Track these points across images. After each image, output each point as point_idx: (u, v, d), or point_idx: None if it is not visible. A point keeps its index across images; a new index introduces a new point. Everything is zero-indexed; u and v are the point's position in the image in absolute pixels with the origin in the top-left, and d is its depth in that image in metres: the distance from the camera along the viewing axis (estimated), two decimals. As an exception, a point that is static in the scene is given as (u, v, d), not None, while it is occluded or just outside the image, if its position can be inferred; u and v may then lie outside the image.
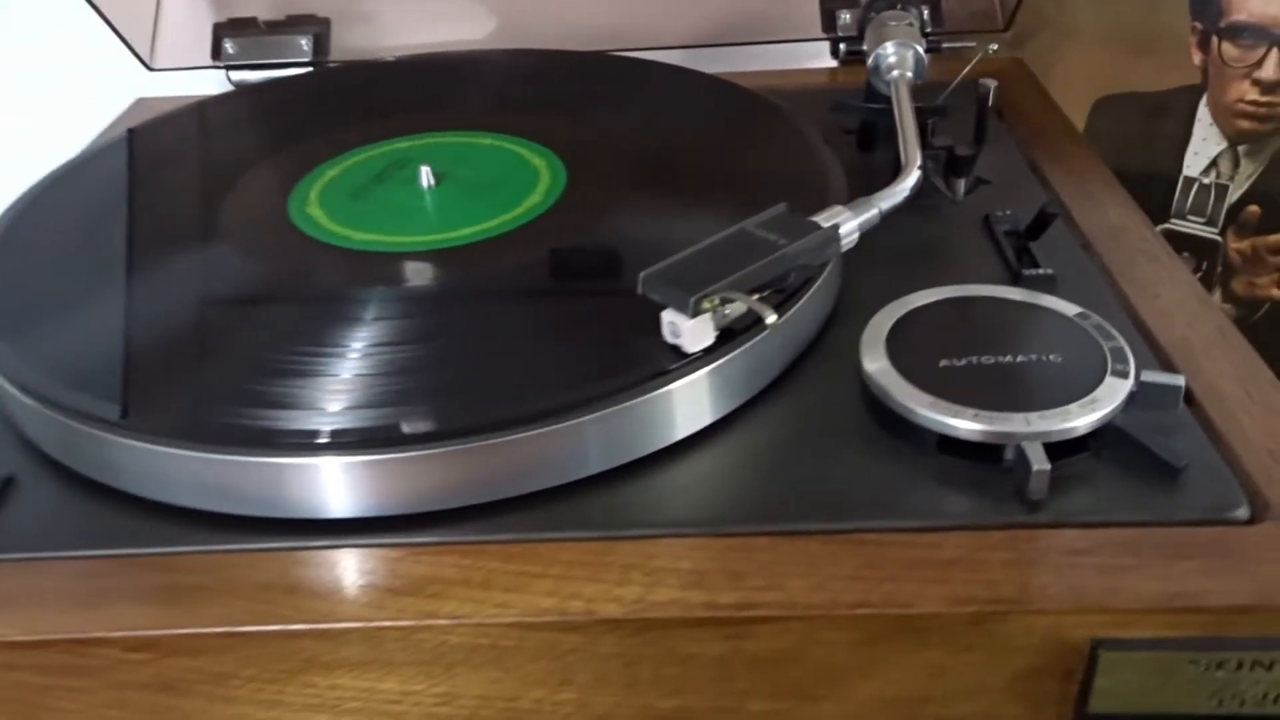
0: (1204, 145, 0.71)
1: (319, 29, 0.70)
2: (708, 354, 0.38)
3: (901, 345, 0.40)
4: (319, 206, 0.50)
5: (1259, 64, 0.68)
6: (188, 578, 0.35)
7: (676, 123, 0.56)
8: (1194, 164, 0.72)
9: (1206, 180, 0.72)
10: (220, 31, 0.69)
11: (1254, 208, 0.72)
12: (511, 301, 0.44)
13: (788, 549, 0.35)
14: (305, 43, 0.69)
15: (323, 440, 0.36)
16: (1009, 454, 0.36)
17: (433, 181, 0.50)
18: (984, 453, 0.37)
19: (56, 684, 0.34)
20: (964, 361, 0.39)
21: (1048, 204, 0.48)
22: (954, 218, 0.51)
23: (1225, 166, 0.71)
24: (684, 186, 0.50)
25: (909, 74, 0.54)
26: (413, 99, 0.61)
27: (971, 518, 0.35)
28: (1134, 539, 0.34)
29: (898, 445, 0.38)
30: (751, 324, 0.39)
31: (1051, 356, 0.39)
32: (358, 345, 0.40)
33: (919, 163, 0.46)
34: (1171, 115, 0.72)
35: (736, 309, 0.38)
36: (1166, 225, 0.74)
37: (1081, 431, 0.36)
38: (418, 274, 0.45)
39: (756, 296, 0.38)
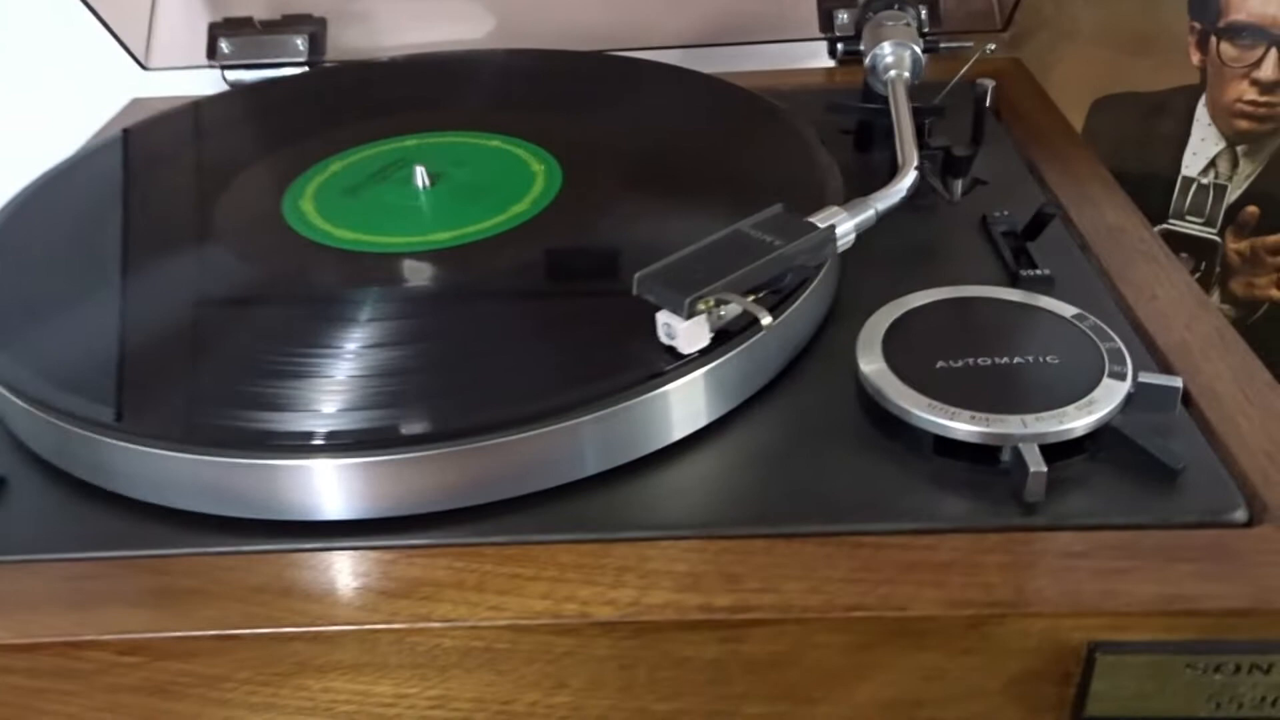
0: (1202, 145, 0.71)
1: (315, 29, 0.70)
2: (703, 355, 0.38)
3: (898, 346, 0.40)
4: (314, 207, 0.49)
5: (1258, 64, 0.68)
6: (180, 580, 0.35)
7: (673, 123, 0.56)
8: (1192, 164, 0.72)
9: (1205, 180, 0.72)
10: (216, 31, 0.69)
11: (1252, 208, 0.71)
12: (506, 302, 0.43)
13: (783, 551, 0.35)
14: (301, 42, 0.69)
15: (317, 442, 0.36)
16: (1006, 456, 0.36)
17: (428, 182, 0.50)
18: (980, 455, 0.37)
19: (48, 687, 0.34)
20: (961, 363, 0.39)
21: (1045, 204, 0.48)
22: (951, 218, 0.51)
23: (1224, 167, 0.71)
24: (680, 187, 0.50)
25: (906, 74, 0.54)
26: (408, 99, 0.61)
27: (968, 520, 0.35)
28: (1131, 541, 0.34)
29: (894, 447, 0.38)
30: (747, 325, 0.39)
31: (1048, 358, 0.39)
32: (352, 346, 0.40)
33: (916, 163, 0.46)
34: (1170, 115, 0.72)
35: (732, 310, 0.38)
36: (1165, 226, 0.74)
37: (1079, 433, 0.36)
38: (412, 275, 0.44)
39: (752, 298, 0.38)
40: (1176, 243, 0.73)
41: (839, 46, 0.69)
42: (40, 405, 0.39)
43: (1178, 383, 0.38)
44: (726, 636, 0.33)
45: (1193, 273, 0.73)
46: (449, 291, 0.44)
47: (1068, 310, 0.41)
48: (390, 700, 0.34)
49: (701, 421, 0.39)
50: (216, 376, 0.40)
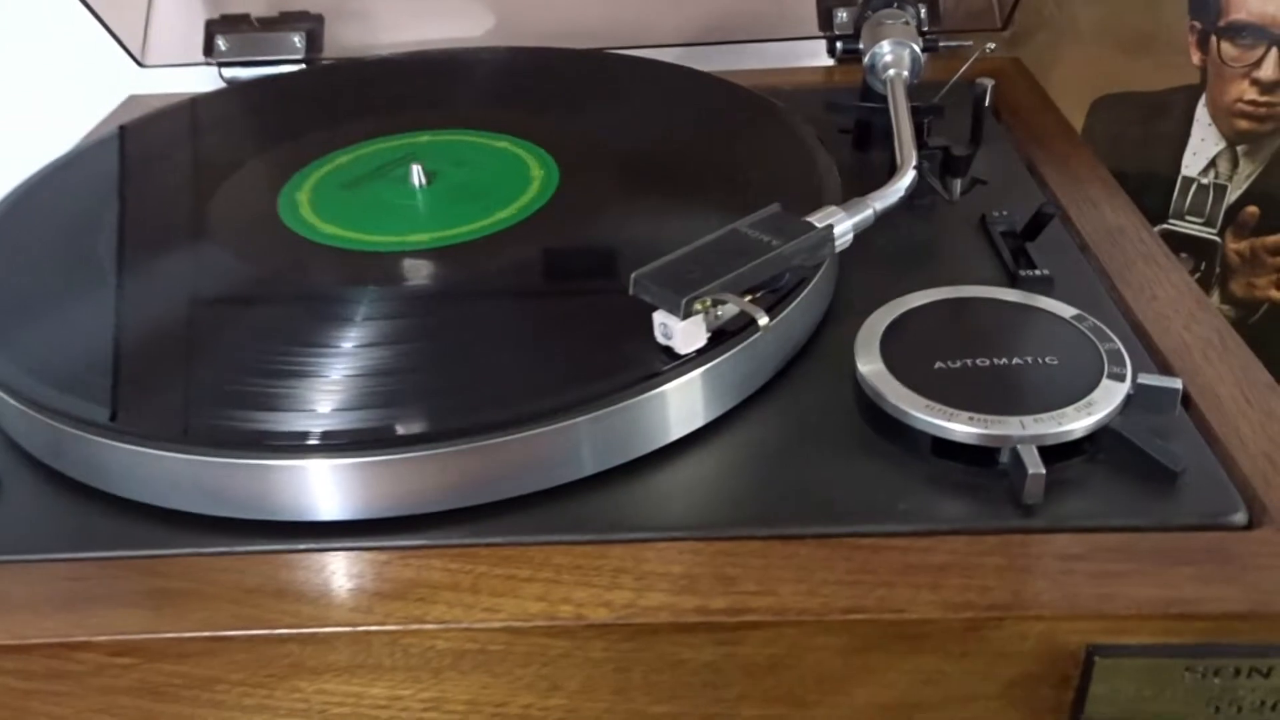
0: (1202, 145, 0.71)
1: (312, 26, 0.70)
2: (700, 355, 0.38)
3: (896, 347, 0.39)
4: (309, 205, 0.49)
5: (1258, 64, 0.68)
6: (174, 581, 0.35)
7: (671, 121, 0.56)
8: (1192, 164, 0.72)
9: (1205, 180, 0.72)
10: (212, 28, 0.69)
11: (1253, 208, 0.71)
12: (503, 302, 0.43)
13: (780, 553, 0.34)
14: (298, 40, 0.69)
15: (312, 442, 0.36)
16: (1004, 457, 0.36)
17: (424, 180, 0.50)
18: (979, 456, 0.36)
19: (40, 689, 0.34)
20: (959, 364, 0.39)
21: (1045, 204, 0.48)
22: (950, 218, 0.51)
23: (1224, 167, 0.71)
24: (678, 186, 0.50)
25: (905, 73, 0.54)
26: (405, 97, 0.61)
27: (966, 522, 0.35)
28: (1130, 544, 0.34)
29: (892, 448, 0.38)
30: (744, 325, 0.38)
31: (1047, 359, 0.39)
32: (347, 346, 0.40)
33: (915, 162, 0.46)
34: (1170, 115, 0.71)
35: (729, 310, 0.38)
36: (1164, 226, 0.74)
37: (1077, 435, 0.36)
38: (408, 273, 0.44)
39: (749, 298, 0.38)
40: (1176, 243, 0.73)
41: (838, 45, 0.69)
42: (33, 404, 0.39)
43: (1177, 384, 0.38)
44: (723, 639, 0.33)
45: (1192, 273, 0.73)
46: (444, 291, 0.44)
47: (1067, 311, 0.41)
48: (384, 702, 0.34)
49: (698, 422, 0.39)
50: (211, 376, 0.40)
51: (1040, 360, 0.39)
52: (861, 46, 0.56)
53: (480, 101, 0.60)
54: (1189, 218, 0.73)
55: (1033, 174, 0.56)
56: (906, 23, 0.56)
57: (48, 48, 0.79)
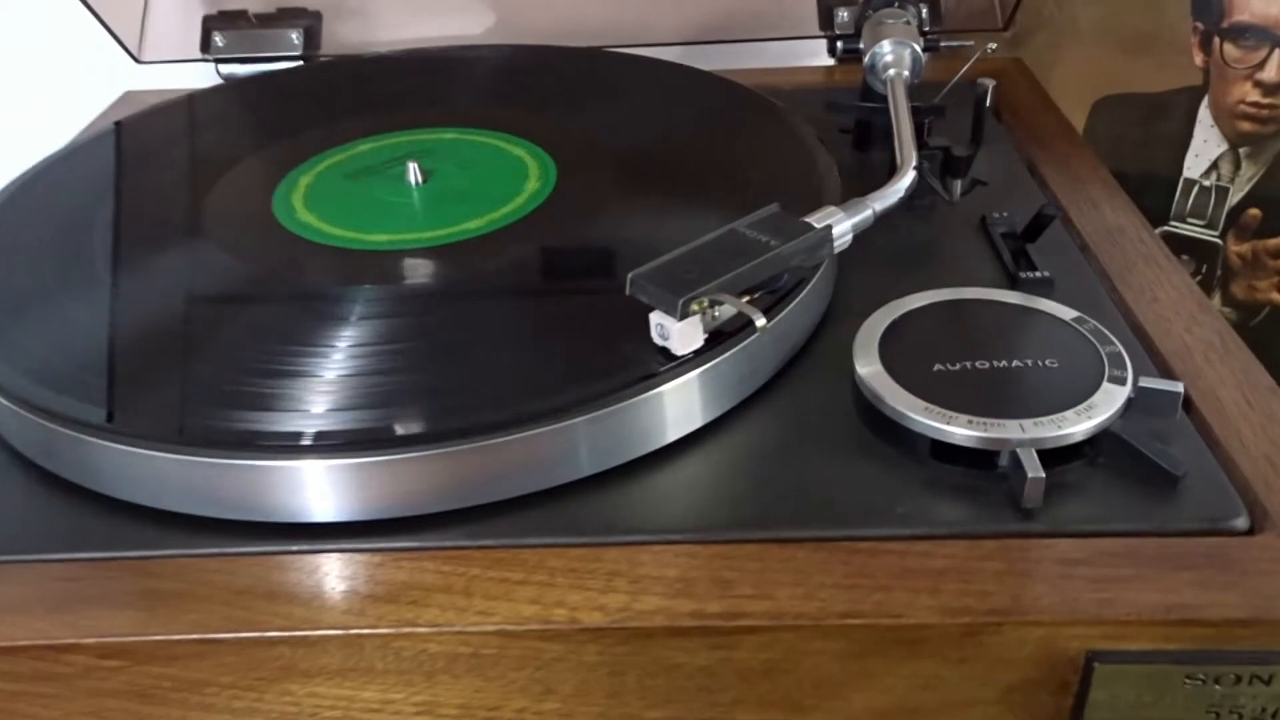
0: (1204, 147, 0.71)
1: (310, 22, 0.69)
2: (697, 356, 0.37)
3: (895, 349, 0.39)
4: (304, 203, 0.49)
5: (1261, 65, 0.68)
6: (164, 583, 0.34)
7: (670, 120, 0.55)
8: (1194, 166, 0.71)
9: (1207, 182, 0.71)
10: (209, 24, 0.69)
11: (1254, 211, 0.71)
12: (498, 302, 0.43)
13: (777, 557, 0.34)
14: (296, 36, 0.69)
15: (306, 443, 0.36)
16: (1003, 461, 0.36)
17: (420, 178, 0.50)
18: (978, 459, 0.36)
19: (27, 690, 0.33)
20: (958, 366, 0.38)
21: (1045, 206, 0.47)
22: (950, 219, 0.51)
23: (1226, 169, 0.71)
24: (676, 185, 0.49)
25: (906, 73, 0.53)
26: (401, 95, 0.61)
27: (965, 526, 0.35)
28: (1130, 549, 0.34)
29: (890, 451, 0.37)
30: (742, 326, 0.38)
31: (1048, 361, 0.38)
32: (341, 345, 0.40)
33: (915, 163, 0.46)
34: (1172, 116, 0.71)
35: (726, 311, 0.37)
36: (1166, 228, 0.73)
37: (1078, 438, 0.36)
38: (403, 272, 0.44)
39: (747, 299, 0.37)
40: (1177, 245, 0.73)
41: (839, 45, 0.69)
42: (24, 403, 0.38)
43: (1179, 387, 0.38)
44: (718, 643, 0.32)
45: (1194, 275, 0.72)
46: (440, 290, 0.43)
47: (1067, 313, 0.41)
48: (376, 706, 0.34)
49: (695, 424, 0.39)
50: (204, 375, 0.39)
51: (1040, 363, 0.38)
52: (862, 46, 0.56)
53: (478, 100, 0.60)
54: (1190, 220, 0.73)
55: (1033, 175, 0.55)
56: (907, 22, 0.56)
57: (44, 43, 0.79)
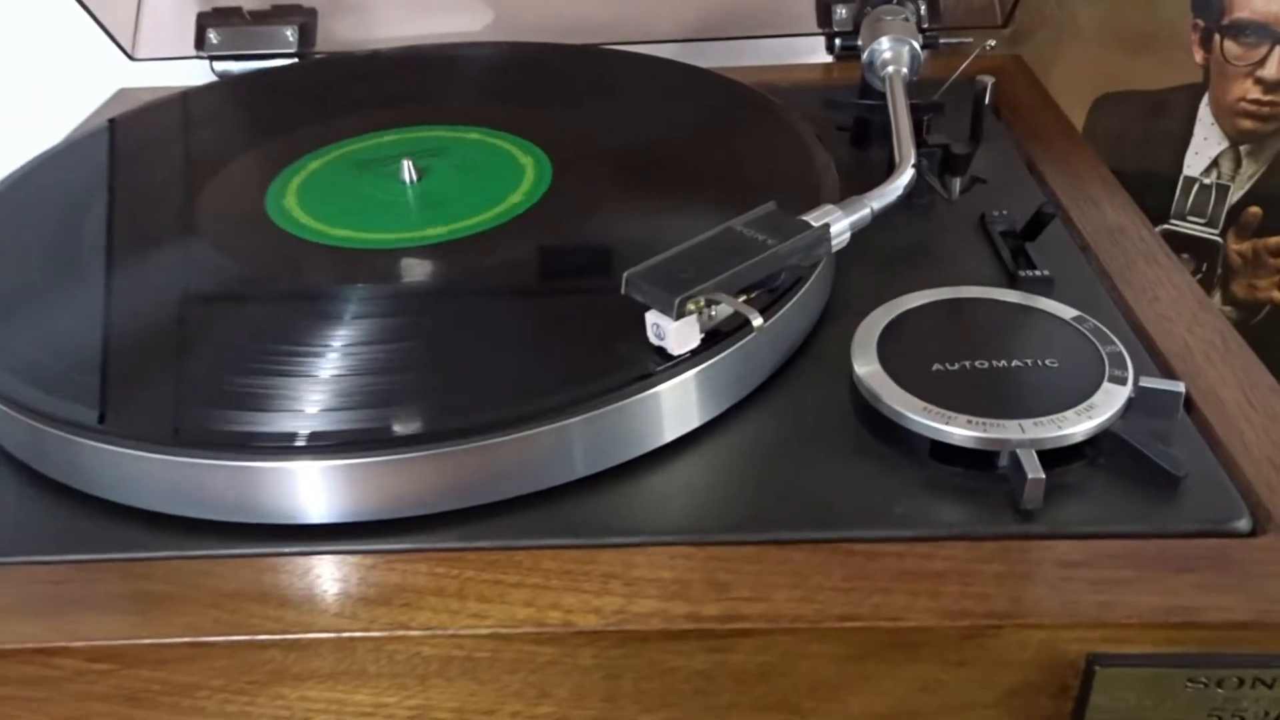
0: (1205, 145, 0.70)
1: (305, 19, 0.69)
2: (694, 356, 0.37)
3: (893, 348, 0.39)
4: (298, 202, 0.48)
5: (1261, 62, 0.67)
6: (155, 585, 0.34)
7: (667, 118, 0.55)
8: (1194, 164, 0.71)
9: (1207, 180, 0.71)
10: (204, 21, 0.68)
11: (1255, 209, 0.71)
12: (493, 301, 0.42)
13: (774, 559, 0.34)
14: (291, 33, 0.68)
15: (299, 444, 0.35)
16: (1003, 462, 0.36)
17: (415, 176, 0.49)
18: (977, 460, 0.36)
19: (16, 694, 0.33)
20: (958, 365, 0.38)
21: (1045, 204, 0.47)
22: (949, 217, 0.50)
23: (1226, 167, 0.70)
24: (672, 183, 0.49)
25: (904, 70, 0.53)
26: (396, 92, 0.60)
27: (964, 527, 0.34)
28: (1131, 551, 0.33)
29: (888, 452, 0.37)
30: (739, 326, 0.38)
31: (1048, 361, 0.38)
32: (335, 345, 0.39)
33: (913, 161, 0.46)
34: (1172, 114, 0.71)
35: (723, 311, 0.37)
36: (1166, 226, 0.73)
37: (1078, 439, 0.35)
38: (397, 271, 0.43)
39: (744, 298, 0.37)
40: (1177, 243, 0.73)
41: (837, 42, 0.69)
42: (13, 404, 0.38)
43: (1180, 387, 0.37)
44: (715, 646, 0.32)
45: (1194, 274, 0.72)
46: (434, 289, 0.43)
47: (1067, 312, 0.40)
48: (369, 709, 0.33)
49: (692, 424, 0.38)
50: (195, 375, 0.39)
51: (1040, 362, 0.38)
52: (860, 43, 0.55)
53: (473, 97, 0.59)
54: (1190, 218, 0.72)
55: (1033, 173, 0.55)
56: (906, 19, 0.55)
57: (37, 40, 0.78)
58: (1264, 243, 0.71)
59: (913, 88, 0.52)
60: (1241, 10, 0.67)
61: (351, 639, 0.32)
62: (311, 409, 0.37)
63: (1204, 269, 0.73)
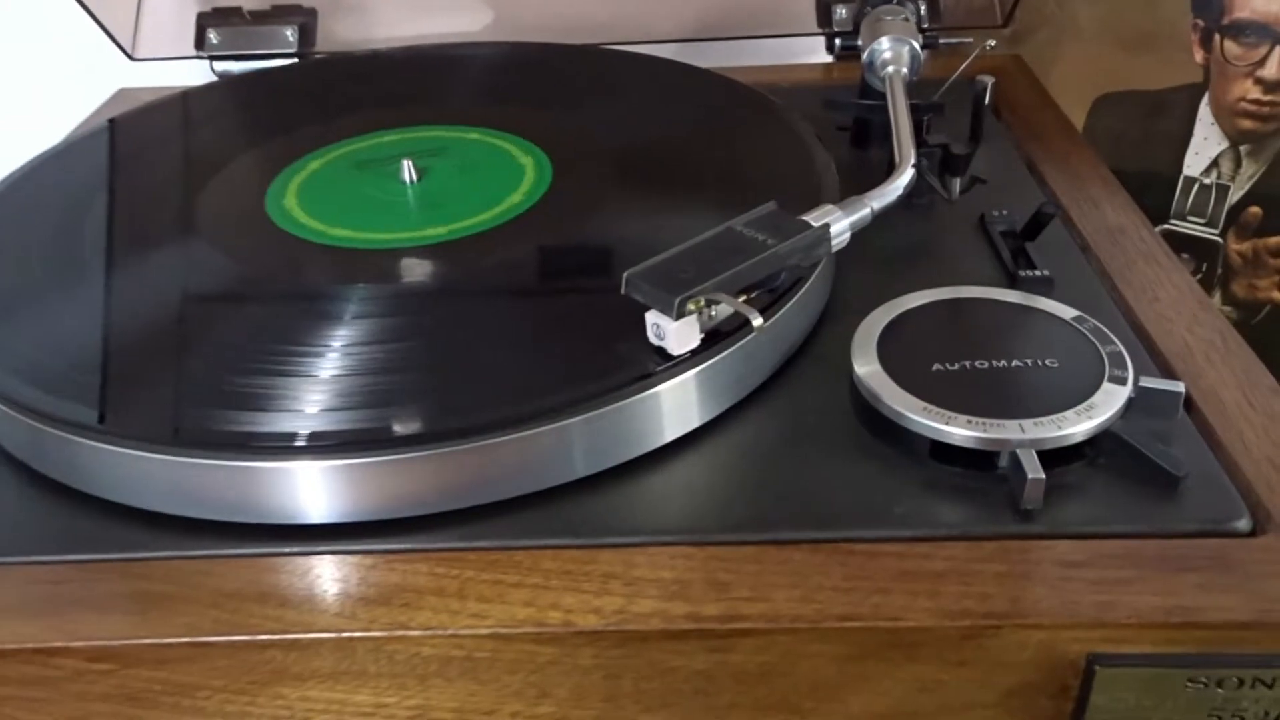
0: (1205, 145, 0.70)
1: (306, 19, 0.69)
2: (694, 356, 0.37)
3: (893, 348, 0.39)
4: (297, 202, 0.48)
5: (1262, 62, 0.67)
6: (154, 585, 0.34)
7: (667, 118, 0.55)
8: (1194, 164, 0.71)
9: (1207, 180, 0.71)
10: (204, 21, 0.68)
11: (1255, 209, 0.71)
12: (493, 301, 0.42)
13: (774, 558, 0.34)
14: (291, 33, 0.68)
15: (299, 444, 0.35)
16: (1003, 462, 0.36)
17: (415, 176, 0.49)
18: (977, 460, 0.36)
19: (15, 694, 0.33)
20: (957, 365, 0.38)
21: (1045, 204, 0.47)
22: (949, 217, 0.50)
23: (1226, 167, 0.70)
24: (672, 183, 0.49)
25: (904, 70, 0.53)
26: (397, 92, 0.60)
27: (964, 527, 0.34)
28: (1131, 551, 0.33)
29: (888, 451, 0.37)
30: (739, 326, 0.38)
31: (1048, 361, 0.38)
32: (334, 345, 0.39)
33: (913, 161, 0.45)
34: (1172, 114, 0.71)
35: (723, 311, 0.37)
36: (1166, 226, 0.73)
37: (1078, 439, 0.35)
38: (397, 271, 0.43)
39: (743, 298, 0.37)
40: (1177, 243, 0.73)
41: (837, 42, 0.69)
42: (13, 404, 0.38)
43: (1180, 387, 0.37)
44: (715, 646, 0.32)
45: (1194, 274, 0.72)
46: (434, 289, 0.43)
47: (1067, 312, 0.40)
48: (369, 710, 0.33)
49: (692, 424, 0.38)
50: (195, 375, 0.39)
51: (1040, 362, 0.38)
52: (860, 43, 0.55)
53: (473, 97, 0.59)
54: (1190, 218, 0.72)
55: (1033, 173, 0.55)
56: (906, 19, 0.55)
57: (36, 40, 0.78)
58: (1264, 243, 0.71)
59: (913, 88, 0.52)
60: (1241, 10, 0.67)
61: (351, 639, 0.32)
62: (311, 409, 0.36)
63: (1204, 269, 0.73)
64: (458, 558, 0.34)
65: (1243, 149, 0.70)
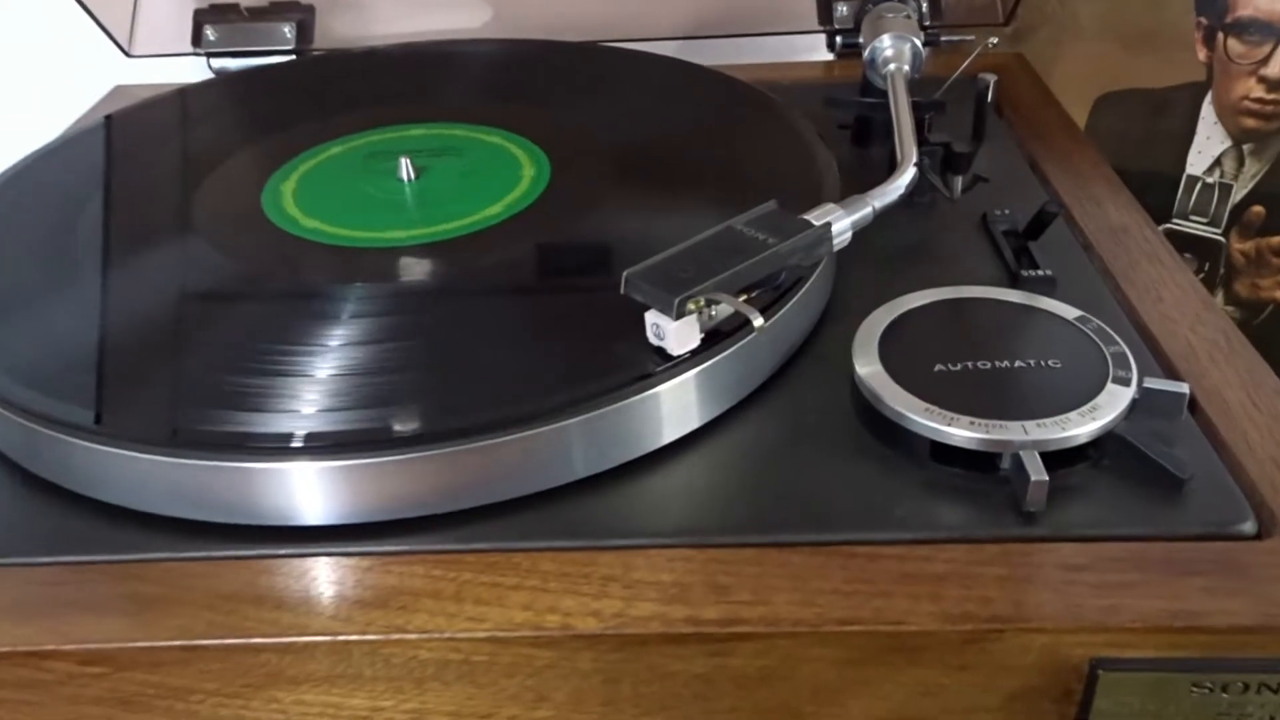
0: (1208, 144, 0.70)
1: (303, 16, 0.69)
2: (694, 356, 0.37)
3: (895, 348, 0.39)
4: (294, 200, 0.48)
5: (1265, 61, 0.67)
6: (149, 587, 0.34)
7: (667, 116, 0.55)
8: (1197, 163, 0.71)
9: (1210, 179, 0.71)
10: (201, 18, 0.68)
11: (1258, 208, 0.70)
12: (491, 300, 0.42)
13: (774, 561, 0.33)
14: (288, 30, 0.68)
15: (296, 444, 0.35)
16: (1005, 463, 0.35)
17: (413, 174, 0.49)
18: (979, 462, 0.35)
19: (7, 698, 0.33)
20: (959, 366, 0.38)
21: (1047, 203, 0.47)
22: (951, 216, 0.50)
23: (1229, 165, 0.70)
24: (672, 182, 0.49)
25: (906, 68, 0.53)
26: (394, 90, 0.60)
27: (966, 530, 0.34)
28: (1135, 554, 0.33)
29: (890, 453, 0.37)
30: (739, 326, 0.37)
31: (1050, 362, 0.38)
32: (331, 344, 0.39)
33: (915, 159, 0.45)
34: (1175, 113, 0.71)
35: (723, 310, 0.37)
36: (1168, 225, 0.73)
37: (1081, 440, 0.35)
38: (394, 271, 0.43)
39: (744, 298, 0.37)
40: (1180, 243, 0.72)
41: (838, 39, 0.68)
42: (7, 404, 0.38)
43: (1184, 388, 0.37)
44: (714, 650, 0.32)
45: (1196, 273, 0.72)
46: (432, 288, 0.43)
47: (1070, 312, 0.40)
48: (365, 713, 0.33)
49: (691, 425, 0.38)
50: (191, 375, 0.39)
51: (1043, 363, 0.38)
52: (861, 41, 0.55)
53: (472, 95, 0.59)
54: (1193, 217, 0.72)
55: (1035, 171, 0.55)
56: (908, 16, 0.55)
57: (33, 37, 0.78)
58: (1267, 242, 0.71)
59: (914, 86, 0.52)
60: (1245, 8, 0.67)
61: (347, 642, 0.32)
62: (308, 409, 0.36)
63: (1206, 268, 0.73)
64: (455, 560, 0.34)
65: (1246, 148, 0.69)
